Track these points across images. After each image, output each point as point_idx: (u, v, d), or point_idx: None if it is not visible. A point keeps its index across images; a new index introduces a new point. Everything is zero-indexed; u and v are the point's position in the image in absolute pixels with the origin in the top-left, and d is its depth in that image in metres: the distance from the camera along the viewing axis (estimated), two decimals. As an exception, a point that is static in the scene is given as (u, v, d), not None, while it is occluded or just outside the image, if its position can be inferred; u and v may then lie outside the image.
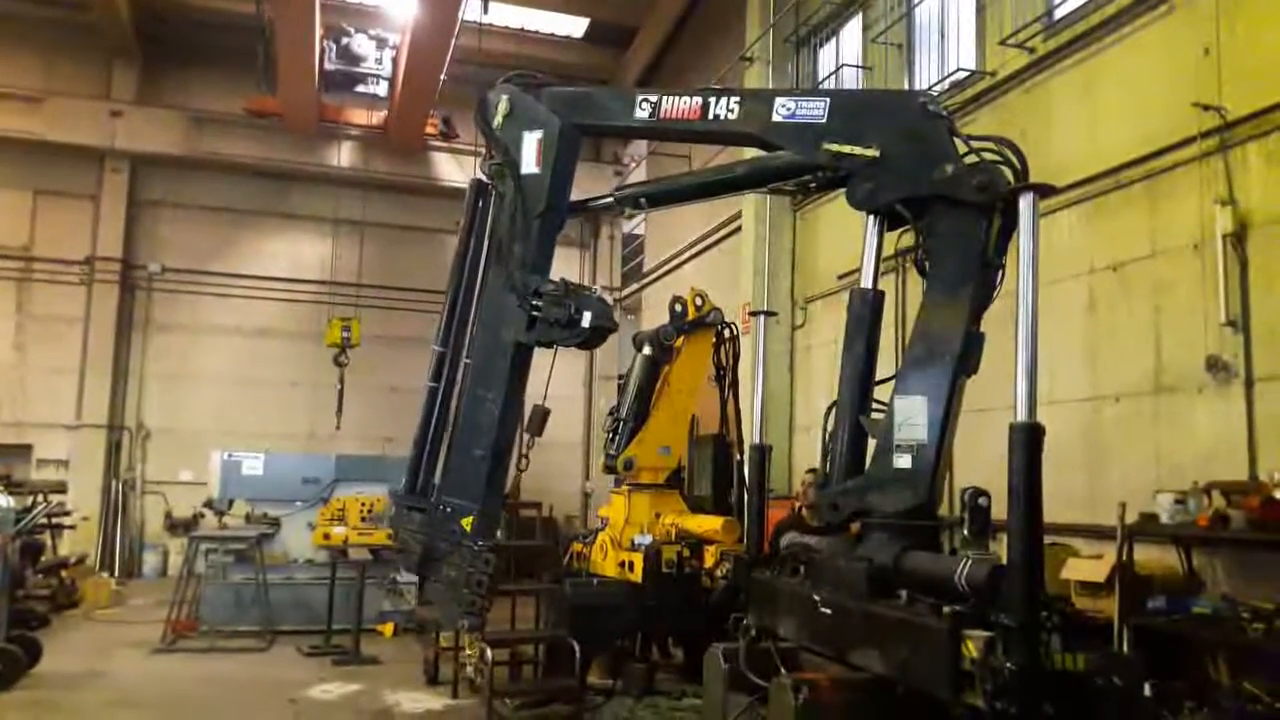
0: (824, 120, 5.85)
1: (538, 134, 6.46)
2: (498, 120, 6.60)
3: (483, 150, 7.05)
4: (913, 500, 5.29)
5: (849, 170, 5.78)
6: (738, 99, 6.23)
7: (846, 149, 5.72)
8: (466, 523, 6.20)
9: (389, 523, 6.92)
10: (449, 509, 6.34)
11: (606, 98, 7.10)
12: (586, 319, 6.09)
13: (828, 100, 5.92)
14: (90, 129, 18.22)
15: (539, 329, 6.22)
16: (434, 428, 6.77)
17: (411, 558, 6.52)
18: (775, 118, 5.99)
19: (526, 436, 6.91)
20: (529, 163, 6.44)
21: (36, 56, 18.51)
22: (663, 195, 7.66)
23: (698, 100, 6.29)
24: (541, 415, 7.02)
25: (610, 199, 7.12)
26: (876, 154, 5.66)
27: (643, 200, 7.26)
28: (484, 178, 6.85)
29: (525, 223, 6.36)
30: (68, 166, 18.55)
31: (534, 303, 6.16)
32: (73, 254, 18.53)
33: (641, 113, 6.50)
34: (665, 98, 6.44)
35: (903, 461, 5.34)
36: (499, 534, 7.38)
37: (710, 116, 6.24)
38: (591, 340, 6.28)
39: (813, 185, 6.71)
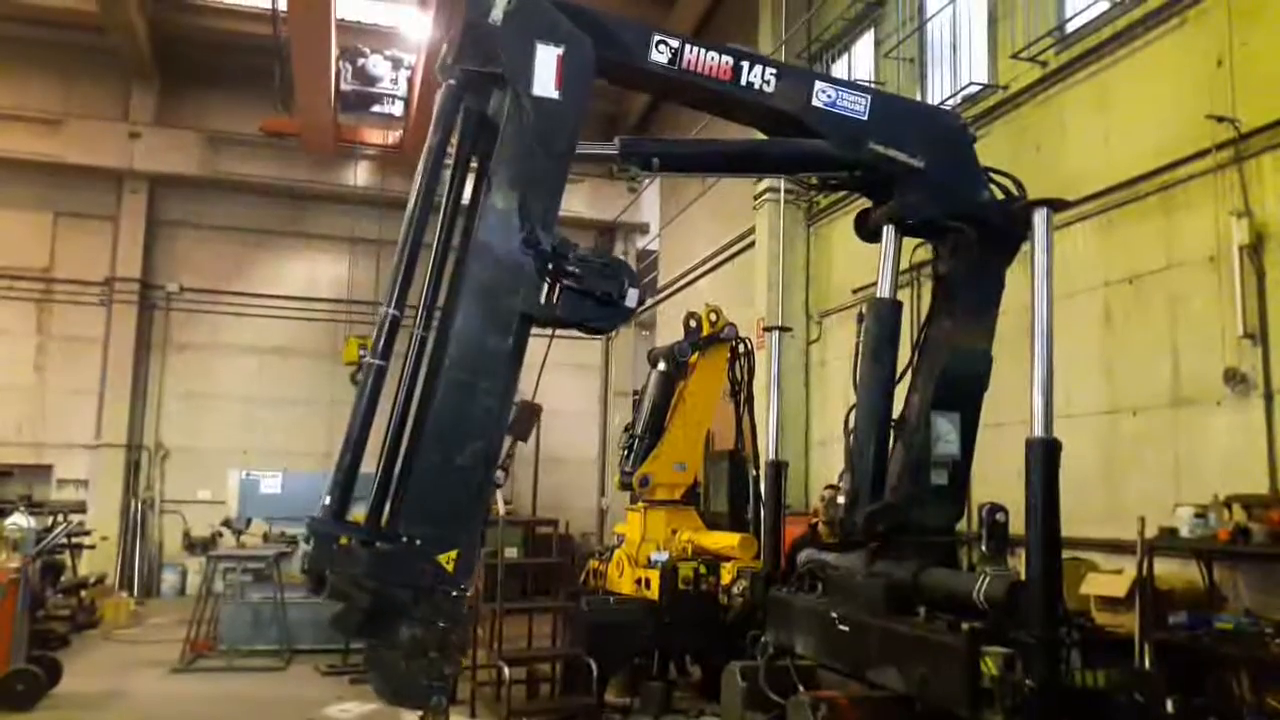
0: (865, 118, 5.69)
1: (558, 50, 4.82)
2: (497, 14, 4.78)
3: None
4: (950, 516, 5.32)
5: (887, 174, 5.71)
6: (774, 70, 5.62)
7: (893, 153, 5.63)
8: (447, 560, 4.45)
9: (307, 563, 4.65)
10: (417, 541, 4.43)
11: (620, 24, 5.48)
12: (632, 298, 4.71)
13: (868, 98, 5.76)
14: (109, 150, 18.43)
15: (567, 303, 4.63)
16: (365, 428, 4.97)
17: (354, 615, 4.42)
18: (815, 102, 5.63)
19: (507, 440, 5.09)
20: (545, 84, 4.79)
21: (56, 79, 18.74)
22: (679, 159, 6.36)
23: (729, 59, 5.49)
24: (530, 413, 5.20)
25: (614, 151, 5.62)
26: (922, 164, 5.64)
27: (655, 160, 5.82)
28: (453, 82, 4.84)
29: (545, 163, 4.79)
30: (87, 188, 18.74)
31: (568, 269, 4.61)
32: (92, 275, 18.70)
33: (659, 55, 5.35)
34: (689, 45, 5.44)
35: (939, 478, 5.36)
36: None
37: (742, 82, 5.53)
38: (618, 325, 4.98)
39: (833, 181, 6.53)
